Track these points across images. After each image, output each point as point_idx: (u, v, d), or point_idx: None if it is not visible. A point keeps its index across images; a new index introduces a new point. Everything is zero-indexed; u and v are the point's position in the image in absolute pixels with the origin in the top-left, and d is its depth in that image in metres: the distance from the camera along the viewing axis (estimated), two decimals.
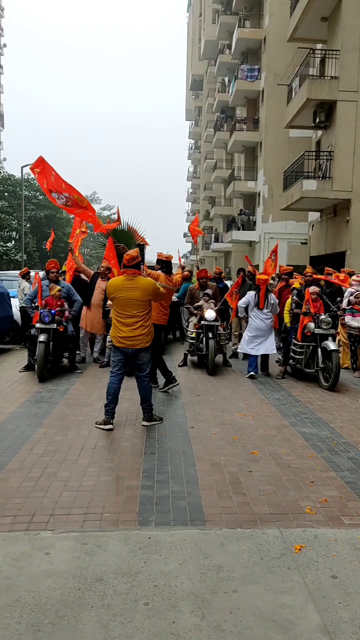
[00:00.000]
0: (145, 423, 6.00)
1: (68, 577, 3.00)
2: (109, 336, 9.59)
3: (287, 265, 14.64)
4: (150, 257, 16.29)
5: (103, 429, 5.76)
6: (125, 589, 2.91)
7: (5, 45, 70.10)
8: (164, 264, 7.94)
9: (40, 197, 42.56)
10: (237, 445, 5.39)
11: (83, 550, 3.27)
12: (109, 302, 9.74)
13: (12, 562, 3.13)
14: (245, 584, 3.00)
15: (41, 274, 10.18)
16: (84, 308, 9.70)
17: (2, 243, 34.07)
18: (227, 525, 3.65)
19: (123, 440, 5.49)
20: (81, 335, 10.00)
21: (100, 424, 5.86)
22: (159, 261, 8.07)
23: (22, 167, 36.62)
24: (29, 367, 8.96)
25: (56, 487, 4.21)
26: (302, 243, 26.59)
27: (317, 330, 8.37)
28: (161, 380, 7.89)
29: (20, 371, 8.94)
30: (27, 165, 36.76)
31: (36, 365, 8.29)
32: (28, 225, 38.03)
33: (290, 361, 8.93)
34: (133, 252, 6.03)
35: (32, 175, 43.78)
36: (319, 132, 20.25)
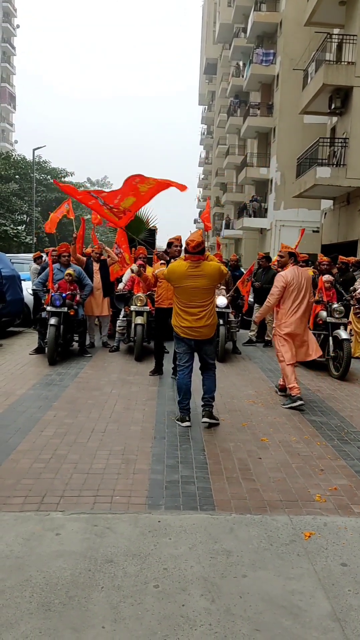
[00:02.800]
0: (206, 420, 5.44)
1: (78, 557, 3.02)
2: (119, 321, 9.63)
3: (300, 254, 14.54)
4: (160, 243, 16.23)
5: (181, 426, 5.44)
6: (135, 571, 2.92)
7: (18, 27, 69.62)
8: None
9: (51, 180, 42.46)
10: (246, 432, 5.38)
11: (93, 532, 3.29)
12: (120, 285, 9.74)
13: (23, 541, 3.15)
14: (255, 569, 3.01)
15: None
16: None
17: (12, 226, 34.06)
18: (237, 510, 3.66)
19: (133, 424, 5.50)
20: (90, 324, 9.92)
21: (177, 420, 5.56)
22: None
23: (34, 150, 36.54)
24: (39, 350, 8.99)
25: (66, 469, 4.23)
26: (313, 231, 26.35)
27: (329, 319, 8.32)
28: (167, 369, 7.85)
29: (30, 354, 8.98)
30: (39, 147, 36.72)
31: (46, 348, 8.32)
32: (39, 209, 37.98)
33: None
34: (197, 237, 5.54)
35: (44, 158, 43.48)
36: (334, 119, 19.99)
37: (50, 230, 12.46)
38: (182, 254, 7.10)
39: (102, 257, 10.13)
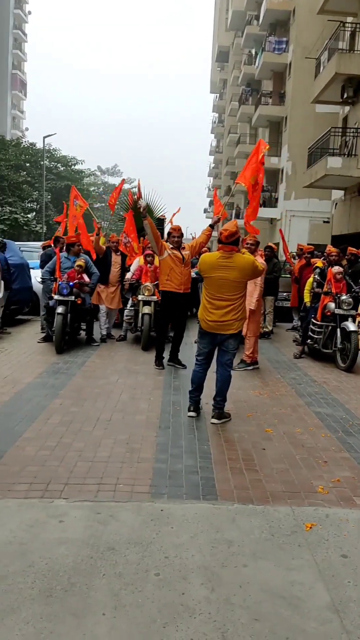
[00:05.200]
0: (215, 421, 5.32)
1: (81, 545, 3.05)
2: (126, 310, 9.64)
3: (308, 245, 14.47)
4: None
5: (189, 416, 5.45)
6: (136, 559, 2.95)
7: (30, 13, 69.30)
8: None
9: (61, 168, 42.42)
10: (251, 423, 5.39)
11: (96, 520, 3.32)
12: (128, 275, 9.69)
13: (26, 528, 3.19)
14: (256, 559, 3.03)
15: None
16: (102, 285, 9.47)
17: (22, 214, 34.11)
18: (239, 501, 3.68)
19: (138, 413, 5.52)
20: (102, 312, 9.61)
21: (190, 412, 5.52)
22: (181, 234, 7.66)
23: (45, 137, 36.47)
24: (46, 339, 9.03)
25: (71, 457, 4.27)
26: (324, 222, 26.22)
27: (337, 311, 8.28)
28: (187, 362, 7.66)
29: (38, 342, 9.02)
30: (50, 135, 36.64)
31: (54, 337, 8.35)
32: (49, 197, 37.98)
33: (308, 341, 8.87)
34: (232, 226, 5.35)
35: (54, 146, 43.32)
36: (347, 108, 19.78)
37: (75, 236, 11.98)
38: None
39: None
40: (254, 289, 7.64)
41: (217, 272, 5.29)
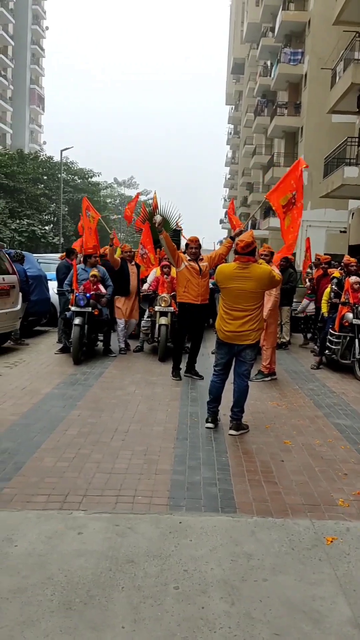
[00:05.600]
0: (232, 432, 5.29)
1: (100, 557, 3.04)
2: (143, 321, 9.66)
3: (325, 254, 14.40)
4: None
5: (207, 427, 5.42)
6: (155, 571, 2.93)
7: (47, 28, 70.47)
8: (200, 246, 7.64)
9: (79, 181, 42.86)
10: (269, 434, 5.36)
11: (115, 532, 3.31)
12: (145, 286, 9.70)
13: (45, 540, 3.19)
14: (276, 573, 2.99)
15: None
16: (120, 298, 9.32)
17: (40, 226, 34.47)
18: (258, 513, 3.64)
19: (155, 424, 5.52)
20: (120, 327, 9.41)
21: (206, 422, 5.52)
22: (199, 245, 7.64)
23: (62, 151, 36.92)
24: (64, 350, 9.08)
25: (89, 469, 4.27)
26: (340, 232, 26.06)
27: (355, 321, 8.22)
28: (204, 373, 7.65)
29: (55, 353, 9.07)
30: (67, 148, 37.09)
31: (71, 348, 8.40)
32: (66, 209, 38.38)
33: (326, 351, 8.81)
34: (248, 237, 5.39)
35: (71, 159, 43.76)
36: None
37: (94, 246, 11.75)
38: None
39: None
40: (267, 299, 7.60)
41: (234, 282, 5.29)
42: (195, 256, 7.44)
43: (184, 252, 7.79)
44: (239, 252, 5.36)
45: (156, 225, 7.41)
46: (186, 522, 3.47)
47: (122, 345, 9.47)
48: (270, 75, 34.56)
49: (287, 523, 3.53)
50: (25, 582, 2.81)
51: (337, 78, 19.31)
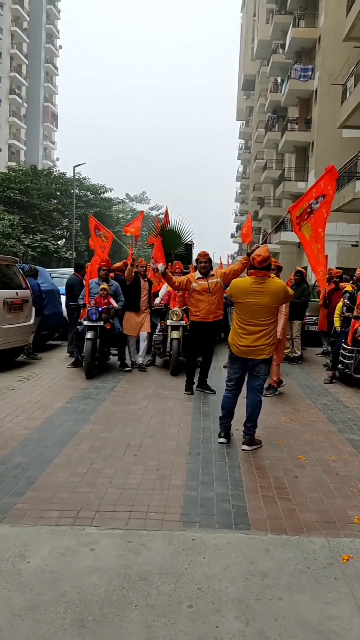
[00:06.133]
0: (245, 447, 5.25)
1: (113, 574, 3.01)
2: (154, 335, 9.65)
3: (337, 268, 14.36)
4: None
5: (219, 442, 5.38)
6: (169, 590, 2.90)
7: (60, 47, 71.65)
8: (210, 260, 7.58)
9: (91, 196, 43.23)
10: (282, 450, 5.31)
11: (127, 549, 3.28)
12: (157, 300, 9.69)
13: (58, 556, 3.17)
14: (291, 592, 2.95)
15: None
16: (131, 313, 9.19)
17: (53, 241, 34.76)
18: (273, 530, 3.60)
19: (168, 439, 5.49)
20: (131, 342, 9.31)
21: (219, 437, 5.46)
22: (210, 259, 7.57)
23: (75, 167, 37.30)
24: (76, 364, 9.10)
25: (102, 484, 4.25)
26: (352, 245, 25.99)
27: None
28: (216, 387, 7.65)
29: (68, 367, 9.09)
30: (80, 164, 37.47)
31: (83, 362, 8.41)
32: (79, 224, 38.70)
33: (339, 366, 8.74)
34: (264, 251, 5.33)
35: (84, 174, 44.14)
36: None
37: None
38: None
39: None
40: (279, 317, 7.49)
41: (250, 297, 5.25)
42: (206, 270, 7.41)
43: (195, 267, 7.79)
44: (255, 267, 5.31)
45: (155, 272, 7.54)
46: (199, 539, 3.43)
47: (139, 361, 9.22)
48: (280, 91, 34.82)
49: (302, 541, 3.48)
50: (37, 599, 2.79)
51: (348, 93, 19.41)
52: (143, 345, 9.24)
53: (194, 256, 14.59)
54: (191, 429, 5.87)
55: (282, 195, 33.80)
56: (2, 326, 8.54)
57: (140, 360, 9.25)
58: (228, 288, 5.66)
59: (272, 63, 35.93)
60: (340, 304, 9.01)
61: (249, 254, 7.08)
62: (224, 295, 8.82)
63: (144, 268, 9.59)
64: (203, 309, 7.37)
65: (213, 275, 7.43)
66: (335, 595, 2.94)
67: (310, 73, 29.30)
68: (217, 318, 7.49)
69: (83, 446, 5.16)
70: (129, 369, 9.06)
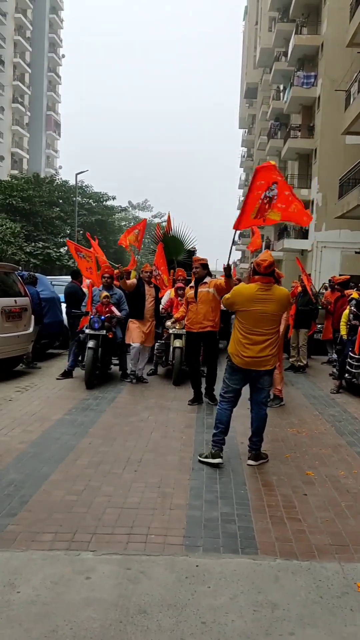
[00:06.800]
0: (251, 462, 5.00)
1: (109, 607, 2.77)
2: (157, 344, 9.41)
3: (341, 275, 14.16)
4: None
5: (211, 464, 4.89)
6: (170, 624, 2.66)
7: (63, 56, 71.95)
8: (206, 267, 7.26)
9: (93, 204, 43.17)
10: (290, 465, 5.07)
11: (126, 577, 3.04)
12: (161, 307, 9.42)
13: (51, 585, 2.93)
14: (303, 625, 2.70)
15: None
16: (134, 321, 8.68)
17: (55, 249, 34.62)
18: (282, 555, 3.35)
19: (169, 453, 5.25)
20: (132, 353, 8.66)
21: (206, 458, 4.97)
22: (204, 265, 7.19)
23: (77, 174, 37.25)
24: (66, 374, 8.83)
25: (99, 503, 4.01)
26: (356, 252, 25.78)
27: None
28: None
29: (57, 378, 8.74)
30: (82, 172, 37.43)
31: (84, 372, 8.19)
32: (81, 232, 38.61)
33: (346, 375, 8.50)
34: (269, 256, 5.06)
35: (86, 182, 44.05)
36: None
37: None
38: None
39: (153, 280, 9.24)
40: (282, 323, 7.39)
41: (255, 305, 4.94)
42: (198, 277, 7.15)
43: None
44: (261, 273, 5.00)
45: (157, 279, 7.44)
46: (203, 565, 3.19)
47: (136, 372, 8.67)
48: (283, 99, 34.74)
49: (314, 566, 3.23)
50: (27, 635, 2.55)
51: (352, 99, 19.26)
52: (145, 356, 8.86)
53: None
54: (194, 442, 5.63)
55: None
56: (0, 335, 8.32)
57: (139, 373, 8.73)
58: (228, 296, 5.21)
59: (275, 71, 35.88)
60: (347, 311, 8.79)
61: (226, 269, 6.59)
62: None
63: (149, 274, 9.01)
64: (189, 318, 7.28)
65: (206, 284, 7.10)
66: (351, 629, 2.70)
67: (312, 80, 29.20)
68: (203, 329, 7.13)
69: (81, 461, 4.92)
70: (130, 380, 8.63)
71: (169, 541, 3.47)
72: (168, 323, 8.76)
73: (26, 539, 3.44)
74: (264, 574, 3.14)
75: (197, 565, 3.18)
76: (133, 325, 8.68)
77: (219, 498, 4.19)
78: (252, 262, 6.93)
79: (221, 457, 4.96)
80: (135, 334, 8.62)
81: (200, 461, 4.99)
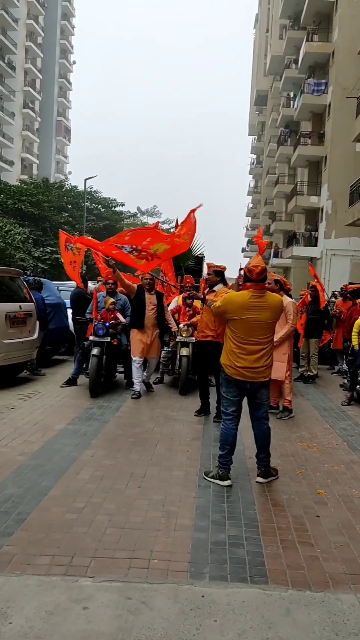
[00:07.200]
0: (260, 480, 4.78)
1: None
2: (163, 352, 9.18)
3: (350, 284, 13.92)
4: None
5: (220, 485, 4.64)
6: None
7: (74, 62, 72.24)
8: (220, 274, 6.97)
9: (102, 210, 43.13)
10: (301, 482, 4.84)
11: (126, 607, 2.83)
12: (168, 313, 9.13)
13: (46, 616, 2.73)
14: None
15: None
16: (135, 331, 8.16)
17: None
18: (294, 585, 3.13)
19: (175, 468, 5.04)
20: (136, 367, 8.12)
21: (213, 478, 4.73)
22: (217, 272, 6.90)
23: (86, 180, 37.24)
24: (70, 382, 8.64)
25: (100, 522, 3.80)
26: None
27: None
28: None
29: (61, 386, 8.56)
30: (91, 177, 37.48)
31: (89, 380, 8.00)
32: (89, 236, 38.62)
33: (358, 386, 8.27)
34: (261, 262, 4.81)
35: (95, 188, 43.97)
36: None
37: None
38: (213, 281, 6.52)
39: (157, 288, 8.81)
40: (287, 333, 7.24)
41: (249, 313, 4.69)
42: (211, 283, 6.88)
43: (205, 281, 7.33)
44: (254, 279, 4.73)
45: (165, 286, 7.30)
46: (210, 595, 2.97)
47: (137, 388, 8.06)
48: (293, 106, 34.62)
49: (328, 598, 3.01)
50: None
51: None
52: (152, 366, 8.52)
53: (205, 269, 14.20)
54: (200, 457, 5.41)
55: (294, 209, 33.44)
56: (3, 341, 8.15)
57: (146, 379, 8.41)
58: (219, 304, 4.91)
59: (285, 78, 35.79)
60: (359, 321, 8.56)
61: (203, 300, 6.35)
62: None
63: (149, 280, 8.33)
64: (199, 325, 7.15)
65: (214, 292, 6.73)
66: None
67: (323, 87, 29.05)
68: (205, 338, 6.85)
69: (83, 475, 4.72)
70: (136, 396, 7.94)
71: (172, 567, 3.25)
72: (182, 326, 8.50)
73: (22, 561, 3.23)
74: (275, 606, 2.91)
75: (202, 596, 2.96)
76: (134, 336, 8.19)
77: (227, 519, 3.97)
78: (240, 269, 6.69)
79: (230, 479, 4.71)
80: (135, 346, 8.14)
81: (206, 479, 4.77)
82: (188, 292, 7.88)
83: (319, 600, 2.99)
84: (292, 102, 35.96)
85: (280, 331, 7.13)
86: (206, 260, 13.40)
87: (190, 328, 8.55)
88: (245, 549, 3.52)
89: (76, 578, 3.08)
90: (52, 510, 3.98)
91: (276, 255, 39.22)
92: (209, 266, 7.06)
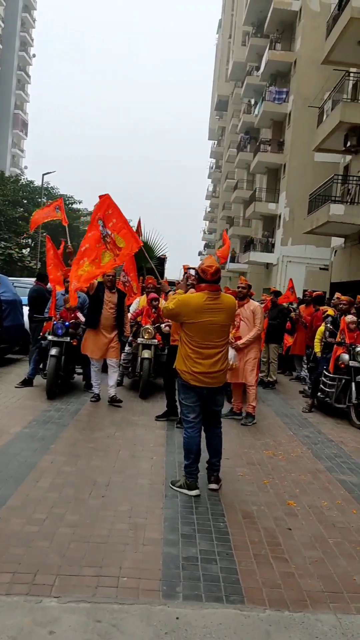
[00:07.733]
0: (213, 486, 4.64)
1: None
2: (123, 354, 8.91)
3: (304, 290, 14.03)
4: (170, 273, 15.64)
5: (187, 494, 4.46)
6: None
7: (34, 56, 70.81)
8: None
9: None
10: (269, 492, 4.72)
11: (96, 631, 2.61)
12: (129, 315, 8.83)
13: None
14: None
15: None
16: (91, 331, 7.61)
17: (17, 249, 33.64)
18: (271, 604, 2.98)
19: (140, 476, 4.83)
20: (94, 370, 7.76)
21: (181, 487, 4.54)
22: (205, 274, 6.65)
23: (43, 175, 36.47)
24: (25, 382, 8.29)
25: (64, 535, 3.56)
26: (320, 268, 25.98)
27: (351, 363, 7.70)
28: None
29: (16, 387, 8.16)
30: (49, 173, 36.68)
31: (46, 381, 7.68)
32: (44, 233, 37.74)
33: (319, 394, 8.26)
34: (214, 262, 4.63)
35: (52, 184, 43.18)
36: (347, 157, 19.76)
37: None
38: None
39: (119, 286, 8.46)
40: (255, 336, 7.25)
41: (204, 316, 4.49)
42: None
43: (169, 282, 6.98)
44: (208, 280, 4.55)
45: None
46: (184, 617, 2.78)
47: (112, 392, 7.57)
48: (254, 113, 34.92)
49: (308, 619, 2.87)
50: None
51: (325, 116, 19.33)
52: (114, 376, 7.70)
53: (167, 271, 13.98)
54: (165, 464, 5.22)
55: (252, 215, 33.70)
56: None
57: (112, 392, 7.58)
58: (170, 306, 4.64)
59: (247, 85, 36.09)
60: (322, 328, 8.56)
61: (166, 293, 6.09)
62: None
63: (110, 277, 7.67)
64: (172, 330, 6.90)
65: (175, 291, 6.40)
66: None
67: (284, 96, 29.40)
68: (174, 342, 6.45)
69: (42, 483, 4.45)
70: (95, 399, 7.58)
71: (143, 585, 3.05)
72: (166, 328, 7.71)
73: None
74: (253, 628, 2.76)
75: (177, 617, 2.77)
76: (88, 337, 7.64)
77: (197, 532, 3.79)
78: (189, 269, 6.42)
79: (198, 488, 4.54)
80: (91, 347, 7.57)
81: (173, 488, 4.59)
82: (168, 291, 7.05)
83: (298, 621, 2.85)
84: (253, 109, 36.27)
85: (248, 334, 7.07)
86: (167, 262, 13.24)
87: (153, 330, 8.36)
88: (218, 565, 3.35)
89: (40, 598, 2.83)
90: (10, 522, 3.70)
91: (233, 260, 39.43)
92: (188, 268, 6.70)
